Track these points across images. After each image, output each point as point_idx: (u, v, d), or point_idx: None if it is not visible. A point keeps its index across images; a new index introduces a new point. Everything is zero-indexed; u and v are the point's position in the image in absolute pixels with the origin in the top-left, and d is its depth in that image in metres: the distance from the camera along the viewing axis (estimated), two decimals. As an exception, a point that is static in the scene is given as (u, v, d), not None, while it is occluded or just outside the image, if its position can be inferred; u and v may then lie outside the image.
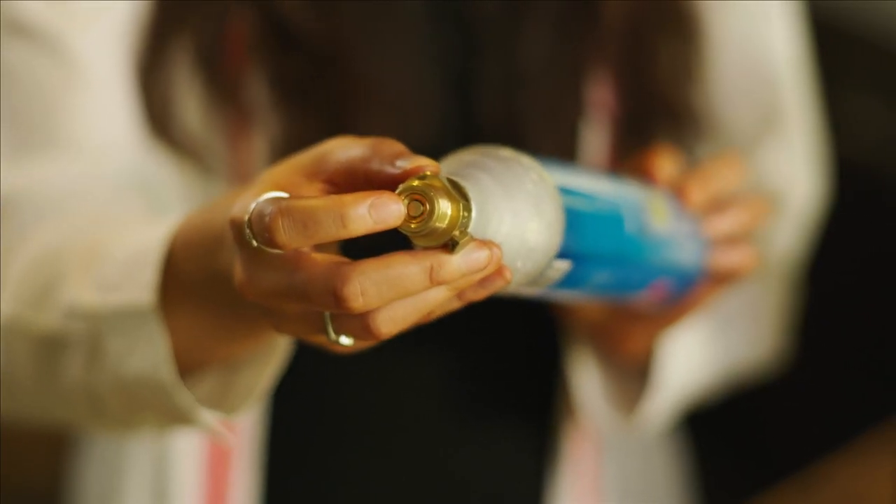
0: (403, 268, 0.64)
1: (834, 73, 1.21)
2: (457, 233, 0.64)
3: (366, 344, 0.70)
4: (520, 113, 0.96)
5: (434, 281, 0.64)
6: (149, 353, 0.77)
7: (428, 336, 1.00)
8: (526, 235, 0.68)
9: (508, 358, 1.04)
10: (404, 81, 0.96)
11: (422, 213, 0.64)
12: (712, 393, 1.08)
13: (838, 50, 1.28)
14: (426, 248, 0.65)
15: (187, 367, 0.79)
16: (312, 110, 0.93)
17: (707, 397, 1.08)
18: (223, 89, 0.92)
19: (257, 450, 0.99)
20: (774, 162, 1.05)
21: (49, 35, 0.90)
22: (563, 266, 0.73)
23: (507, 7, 0.97)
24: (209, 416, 0.79)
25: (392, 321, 0.66)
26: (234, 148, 0.94)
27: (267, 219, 0.64)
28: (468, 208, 0.65)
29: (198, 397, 0.79)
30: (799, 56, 1.07)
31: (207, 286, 0.74)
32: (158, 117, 0.92)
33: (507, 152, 0.70)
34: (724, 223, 0.89)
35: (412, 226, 0.64)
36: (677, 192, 0.87)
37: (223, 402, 0.80)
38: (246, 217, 0.65)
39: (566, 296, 0.81)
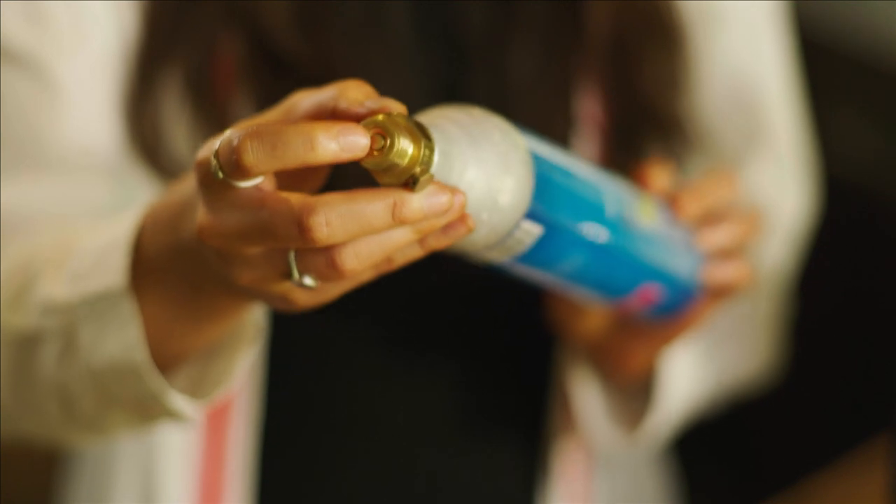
0: (367, 202, 0.65)
1: (822, 90, 1.21)
2: (417, 170, 0.65)
3: (327, 293, 0.70)
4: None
5: (396, 218, 0.65)
6: (121, 337, 0.77)
7: (420, 349, 1.01)
8: (492, 186, 0.69)
9: (500, 372, 1.04)
10: (393, 97, 0.96)
11: (382, 147, 0.65)
12: (706, 408, 1.08)
13: (827, 68, 1.28)
14: (389, 186, 0.66)
15: (160, 363, 0.79)
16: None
17: (701, 413, 1.08)
18: (212, 115, 0.93)
19: (250, 459, 0.99)
20: (762, 177, 1.06)
21: (32, 60, 0.91)
22: (534, 230, 0.73)
23: (494, 22, 0.97)
24: (181, 402, 0.79)
25: (356, 257, 0.66)
26: None
27: (235, 141, 0.64)
28: (430, 147, 0.66)
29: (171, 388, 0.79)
30: (787, 72, 1.07)
31: (174, 260, 0.74)
32: (148, 144, 0.93)
33: (479, 110, 0.71)
34: (718, 236, 0.89)
35: (372, 158, 0.65)
36: (671, 204, 0.88)
37: (196, 390, 0.80)
38: (213, 150, 0.66)
39: (537, 276, 0.81)
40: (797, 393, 1.29)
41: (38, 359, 0.82)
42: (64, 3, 0.91)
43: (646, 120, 1.00)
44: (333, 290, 0.71)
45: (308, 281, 0.68)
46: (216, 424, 0.97)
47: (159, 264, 0.76)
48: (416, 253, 0.69)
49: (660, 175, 0.89)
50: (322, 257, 0.66)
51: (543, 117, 0.97)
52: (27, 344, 0.82)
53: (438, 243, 0.69)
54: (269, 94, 0.93)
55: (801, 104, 1.10)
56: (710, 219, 0.89)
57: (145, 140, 0.93)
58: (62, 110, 0.91)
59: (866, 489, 1.29)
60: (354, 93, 0.67)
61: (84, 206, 0.91)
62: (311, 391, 1.01)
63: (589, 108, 1.00)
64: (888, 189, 1.45)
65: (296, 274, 0.68)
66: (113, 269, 0.77)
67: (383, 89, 0.95)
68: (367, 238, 0.66)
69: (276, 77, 0.93)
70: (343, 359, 1.01)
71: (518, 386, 1.05)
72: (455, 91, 0.98)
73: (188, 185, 0.72)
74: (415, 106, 0.97)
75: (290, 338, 0.98)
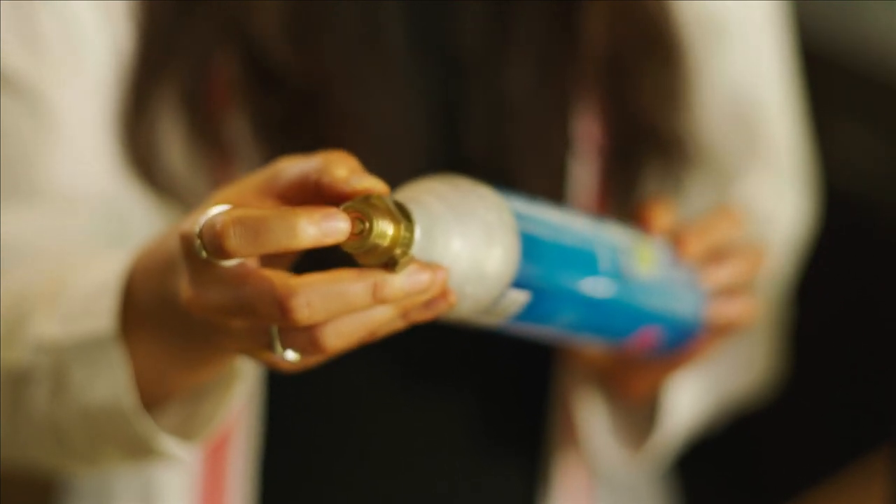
0: (349, 283, 0.65)
1: (821, 101, 1.21)
2: (398, 252, 0.66)
3: (311, 361, 0.71)
4: (507, 145, 0.97)
5: (377, 298, 0.66)
6: (110, 381, 0.78)
7: (419, 367, 1.01)
8: (476, 261, 0.69)
9: (500, 389, 1.04)
10: (389, 116, 0.96)
11: (362, 231, 0.65)
12: (708, 424, 1.08)
13: (826, 79, 1.28)
14: (370, 267, 0.66)
15: (149, 401, 0.79)
16: (296, 149, 0.93)
17: (703, 429, 1.08)
18: (206, 131, 0.93)
19: (250, 487, 0.99)
20: (761, 188, 1.05)
21: (27, 86, 0.91)
22: (521, 297, 0.73)
23: (490, 38, 0.97)
24: (170, 444, 0.79)
25: (338, 336, 0.67)
26: (217, 189, 0.94)
27: (218, 226, 0.65)
28: (410, 229, 0.66)
29: (160, 427, 0.79)
30: (787, 82, 1.07)
31: (160, 311, 0.75)
32: (143, 161, 0.93)
33: (464, 181, 0.71)
34: (722, 274, 0.90)
35: (352, 241, 0.66)
36: (675, 242, 0.88)
37: (185, 431, 0.81)
38: (196, 229, 0.66)
39: (534, 331, 0.81)
40: (797, 405, 1.29)
41: (30, 395, 0.83)
42: (60, 29, 0.91)
43: (645, 137, 1.00)
44: (318, 358, 0.72)
45: (291, 355, 0.69)
46: (216, 446, 0.97)
47: (148, 311, 0.76)
48: (398, 325, 0.70)
49: (662, 215, 0.89)
50: (304, 336, 0.68)
51: (541, 135, 0.97)
52: (20, 380, 0.83)
53: (421, 317, 0.70)
54: (263, 110, 0.93)
55: (800, 114, 1.09)
56: (715, 256, 0.90)
57: (141, 157, 0.93)
58: (57, 140, 0.91)
59: (867, 502, 1.29)
60: (338, 168, 0.67)
61: (78, 237, 0.91)
62: (309, 410, 1.01)
63: (587, 127, 0.99)
64: (888, 199, 1.45)
65: (279, 349, 0.69)
66: (102, 313, 0.78)
67: (378, 105, 0.96)
68: (349, 316, 0.67)
69: (269, 93, 0.93)
70: (342, 378, 1.01)
71: (518, 403, 1.05)
72: (451, 109, 0.97)
73: (176, 241, 0.72)
74: (411, 124, 0.97)
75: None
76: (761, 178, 1.05)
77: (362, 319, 0.67)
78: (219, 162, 0.93)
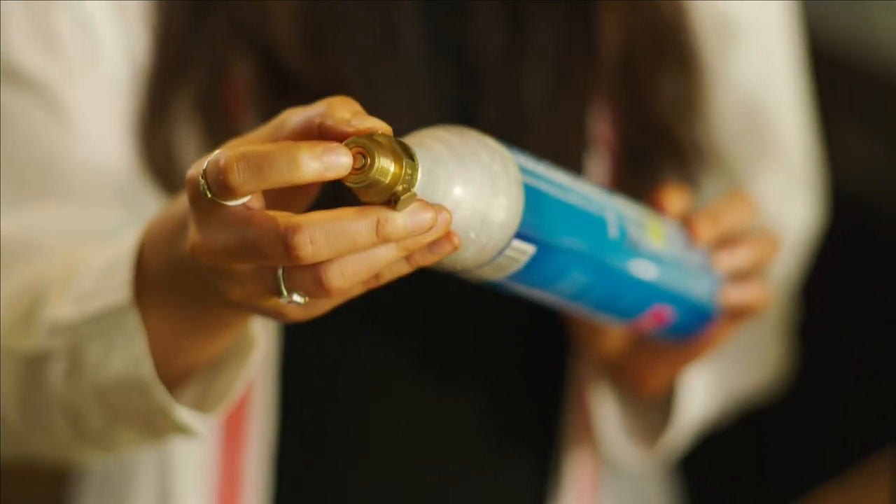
0: (351, 220, 0.65)
1: (826, 103, 1.21)
2: (399, 188, 0.66)
3: (317, 308, 0.71)
4: (524, 150, 0.97)
5: (380, 236, 0.66)
6: (127, 352, 0.78)
7: (433, 361, 1.02)
8: (479, 205, 0.69)
9: (512, 384, 1.05)
10: (404, 121, 0.96)
11: (363, 166, 0.65)
12: (716, 421, 1.09)
13: (830, 80, 1.28)
14: (372, 204, 0.66)
15: (166, 376, 0.80)
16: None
17: (711, 426, 1.09)
18: (222, 135, 0.92)
19: (265, 472, 0.99)
20: (772, 189, 1.06)
21: (42, 85, 0.91)
22: (526, 249, 0.73)
23: (506, 44, 0.97)
24: (187, 416, 0.80)
25: (342, 275, 0.67)
26: None
27: (222, 162, 0.65)
28: (412, 166, 0.67)
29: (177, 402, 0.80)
30: (798, 85, 1.08)
31: (171, 275, 0.75)
32: (160, 165, 0.93)
33: (471, 131, 0.71)
34: (735, 258, 0.90)
35: (353, 176, 0.66)
36: (687, 227, 0.88)
37: (201, 405, 0.81)
38: (201, 170, 0.67)
39: (542, 295, 0.80)
40: (801, 405, 1.29)
41: (45, 378, 0.83)
42: (75, 29, 0.91)
43: (659, 142, 1.00)
44: (324, 305, 0.72)
45: (297, 298, 0.69)
46: (231, 440, 0.97)
47: (160, 280, 0.77)
48: (403, 269, 0.70)
49: (675, 199, 0.89)
50: (309, 275, 0.67)
51: (557, 139, 0.97)
52: (35, 364, 0.83)
53: (425, 260, 0.70)
54: (278, 113, 0.93)
55: (810, 116, 1.10)
56: (727, 241, 0.90)
57: (157, 161, 0.93)
58: (73, 137, 0.92)
59: (872, 503, 1.29)
60: (341, 110, 0.67)
61: (94, 232, 0.91)
62: (323, 404, 1.02)
63: (602, 132, 1.00)
64: (891, 200, 1.45)
65: (284, 291, 0.69)
66: (116, 287, 0.78)
67: (394, 110, 0.96)
68: (353, 256, 0.67)
69: (284, 97, 0.93)
70: (356, 370, 1.02)
71: (530, 398, 1.05)
72: (467, 112, 0.98)
73: (183, 202, 0.73)
74: (425, 127, 0.97)
75: (303, 350, 0.98)
76: (773, 180, 1.06)
77: (366, 259, 0.67)
78: None
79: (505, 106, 0.97)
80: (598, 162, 1.00)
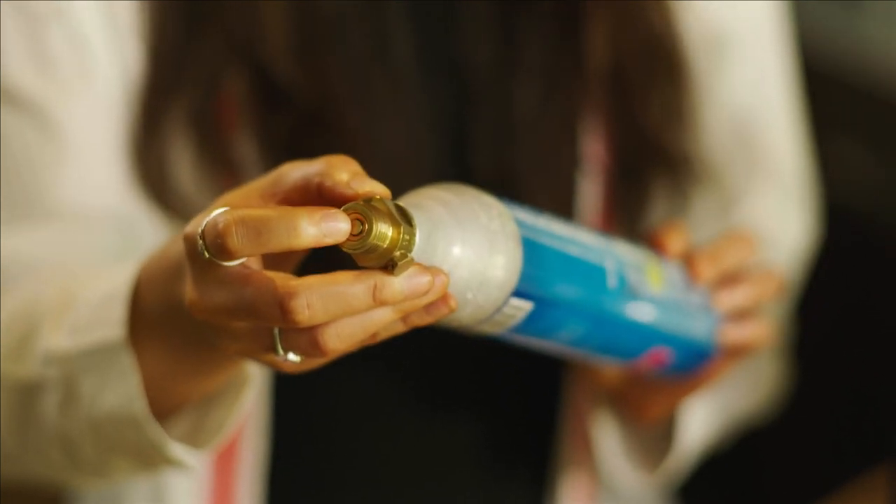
0: (348, 285, 0.65)
1: (821, 118, 1.21)
2: (397, 254, 0.66)
3: (313, 363, 0.71)
4: (514, 164, 0.97)
5: (377, 300, 0.66)
6: (121, 388, 0.78)
7: (427, 382, 1.02)
8: (477, 267, 0.69)
9: (508, 406, 1.05)
10: (397, 135, 0.97)
11: (361, 232, 0.66)
12: (718, 444, 1.09)
13: (825, 96, 1.28)
14: (369, 269, 0.66)
15: (159, 411, 0.80)
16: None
17: (710, 449, 1.09)
18: (215, 151, 0.93)
19: (258, 490, 0.99)
20: (765, 205, 1.06)
21: (37, 107, 0.91)
22: (523, 306, 0.73)
23: (498, 58, 0.97)
24: (180, 451, 0.80)
25: (338, 337, 0.67)
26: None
27: (220, 226, 0.65)
28: (410, 232, 0.67)
29: (170, 436, 0.80)
30: (790, 99, 1.08)
31: (167, 317, 0.75)
32: (153, 181, 0.93)
33: (468, 189, 0.71)
34: (735, 298, 0.90)
35: (351, 242, 0.66)
36: (687, 266, 0.88)
37: (194, 439, 0.81)
38: (199, 230, 0.67)
39: (540, 343, 0.81)
40: (799, 419, 1.29)
41: (39, 407, 0.83)
42: (69, 48, 0.91)
43: (651, 155, 1.00)
44: (320, 360, 0.72)
45: (292, 357, 0.69)
46: (224, 463, 0.97)
47: (155, 319, 0.77)
48: (398, 329, 0.70)
49: (676, 239, 0.89)
50: (305, 337, 0.68)
51: (548, 154, 0.98)
52: (29, 392, 0.83)
53: (421, 321, 0.70)
54: (272, 130, 0.93)
55: (803, 131, 1.10)
56: (728, 279, 0.90)
57: (151, 177, 0.93)
58: (66, 157, 0.92)
59: (868, 518, 1.29)
60: (340, 171, 0.67)
61: (88, 254, 0.91)
62: (317, 428, 1.02)
63: (594, 146, 1.00)
64: (887, 215, 1.45)
65: (280, 350, 0.69)
66: (112, 322, 0.78)
67: (386, 124, 0.96)
68: (350, 318, 0.67)
69: (278, 112, 0.93)
70: (349, 393, 1.02)
71: (525, 420, 1.05)
72: (459, 128, 0.98)
73: (180, 244, 0.72)
74: (419, 143, 0.97)
75: (296, 375, 0.98)
76: (766, 195, 1.06)
77: (362, 321, 0.67)
78: (228, 181, 0.93)
79: (496, 120, 0.97)
80: (591, 177, 1.00)
